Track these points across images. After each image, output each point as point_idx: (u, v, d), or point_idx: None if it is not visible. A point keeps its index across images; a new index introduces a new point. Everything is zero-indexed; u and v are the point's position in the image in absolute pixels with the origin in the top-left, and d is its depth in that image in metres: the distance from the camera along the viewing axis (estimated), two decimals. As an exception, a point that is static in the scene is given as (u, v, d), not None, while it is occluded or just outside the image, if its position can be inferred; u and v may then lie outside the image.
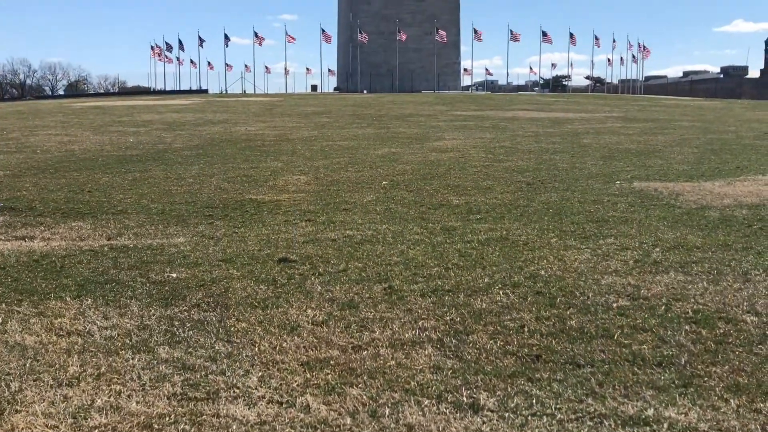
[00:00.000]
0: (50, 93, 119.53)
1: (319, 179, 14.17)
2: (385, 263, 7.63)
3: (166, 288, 6.83)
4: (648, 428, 4.10)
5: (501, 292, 6.55)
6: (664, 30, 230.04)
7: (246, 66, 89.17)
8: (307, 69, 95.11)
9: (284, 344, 5.36)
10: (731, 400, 4.39)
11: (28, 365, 4.98)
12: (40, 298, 6.57)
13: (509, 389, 4.56)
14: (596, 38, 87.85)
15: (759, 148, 19.94)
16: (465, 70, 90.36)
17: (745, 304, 6.19)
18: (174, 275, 7.26)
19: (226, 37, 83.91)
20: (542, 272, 7.18)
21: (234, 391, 4.55)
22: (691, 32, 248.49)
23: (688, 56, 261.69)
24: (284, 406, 4.38)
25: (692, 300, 6.29)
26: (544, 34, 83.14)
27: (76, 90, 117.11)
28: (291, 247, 8.39)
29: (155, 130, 26.16)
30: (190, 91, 78.93)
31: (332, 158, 17.56)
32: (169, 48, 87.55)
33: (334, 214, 10.62)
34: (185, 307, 6.26)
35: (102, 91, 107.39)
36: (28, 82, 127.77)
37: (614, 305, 6.18)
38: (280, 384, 4.67)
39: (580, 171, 14.99)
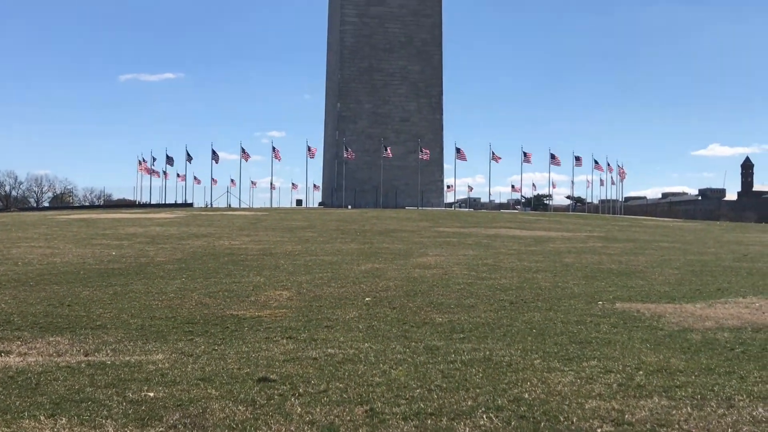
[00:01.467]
0: (35, 205, 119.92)
1: (301, 295, 14.13)
2: (367, 384, 7.53)
3: (143, 407, 6.68)
4: None
5: (484, 416, 6.45)
6: (643, 152, 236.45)
7: (232, 180, 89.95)
8: (293, 184, 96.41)
9: (262, 469, 5.21)
10: None
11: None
12: (13, 416, 6.40)
13: None
14: (576, 159, 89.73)
15: (739, 270, 20.14)
16: (448, 187, 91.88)
17: (729, 430, 6.12)
18: (151, 394, 7.11)
19: (214, 153, 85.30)
20: (526, 395, 7.10)
21: None
22: (669, 155, 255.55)
23: (667, 178, 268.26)
24: None
25: (677, 426, 6.21)
26: (525, 154, 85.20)
27: (61, 202, 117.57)
28: (271, 365, 8.28)
29: (138, 244, 26.16)
30: (175, 205, 79.44)
31: (315, 273, 17.56)
32: (156, 162, 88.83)
33: (315, 331, 10.54)
34: (162, 428, 6.11)
35: (87, 204, 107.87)
36: (14, 193, 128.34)
37: (598, 431, 6.10)
38: None
39: (562, 290, 15.05)
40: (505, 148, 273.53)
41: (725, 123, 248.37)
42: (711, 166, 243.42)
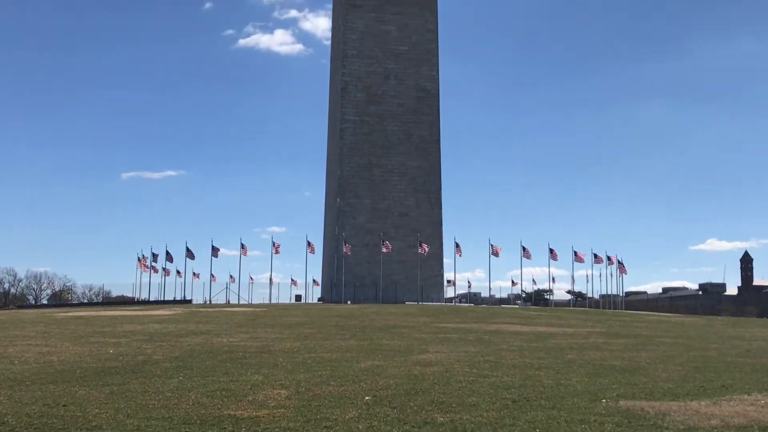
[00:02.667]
0: (33, 302, 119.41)
1: (300, 393, 13.92)
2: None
3: None
4: None
5: None
6: (642, 247, 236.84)
7: (231, 277, 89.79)
8: (292, 280, 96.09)
9: None
10: None
11: None
12: None
13: None
14: (576, 254, 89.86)
15: (742, 366, 19.92)
16: (448, 282, 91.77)
17: None
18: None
19: (214, 249, 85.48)
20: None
21: None
22: (668, 250, 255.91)
23: (667, 273, 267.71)
24: None
25: None
26: (524, 249, 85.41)
27: (59, 299, 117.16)
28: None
29: (136, 341, 25.92)
30: (174, 302, 79.14)
31: (314, 371, 17.34)
32: (156, 259, 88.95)
33: (315, 432, 10.34)
34: None
35: (86, 301, 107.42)
36: (13, 291, 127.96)
37: None
38: None
39: (565, 388, 14.84)
40: (505, 242, 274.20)
41: (723, 218, 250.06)
42: (710, 260, 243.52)
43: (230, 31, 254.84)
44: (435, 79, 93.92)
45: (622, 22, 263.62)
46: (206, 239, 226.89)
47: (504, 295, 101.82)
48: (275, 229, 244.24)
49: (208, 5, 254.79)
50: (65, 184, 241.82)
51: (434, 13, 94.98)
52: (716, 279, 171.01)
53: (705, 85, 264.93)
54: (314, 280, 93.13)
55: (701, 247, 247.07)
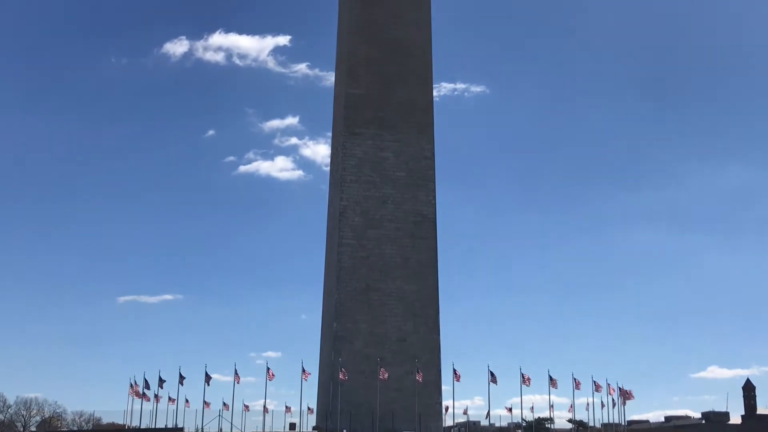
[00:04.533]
0: (21, 430, 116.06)
1: None
2: None
3: None
4: None
5: None
6: (643, 376, 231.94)
7: (225, 404, 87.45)
8: (287, 407, 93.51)
9: None
10: None
11: None
12: None
13: None
14: (576, 381, 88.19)
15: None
16: (446, 409, 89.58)
17: None
18: None
19: (207, 376, 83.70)
20: None
21: None
22: (669, 378, 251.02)
23: (668, 401, 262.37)
24: None
25: None
26: (524, 376, 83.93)
27: (48, 426, 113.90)
28: None
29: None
30: (165, 430, 76.95)
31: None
32: (148, 385, 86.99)
33: None
34: None
35: (75, 428, 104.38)
36: (1, 417, 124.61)
37: None
38: None
39: None
40: (504, 368, 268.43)
41: (723, 345, 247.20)
42: (712, 388, 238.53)
43: (232, 158, 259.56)
44: (432, 204, 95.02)
45: (617, 149, 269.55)
46: (200, 364, 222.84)
47: (504, 423, 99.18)
48: (271, 354, 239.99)
49: (210, 132, 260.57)
50: (59, 307, 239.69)
51: (430, 140, 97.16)
52: (719, 407, 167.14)
53: (701, 212, 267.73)
54: (309, 408, 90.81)
55: (702, 374, 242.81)
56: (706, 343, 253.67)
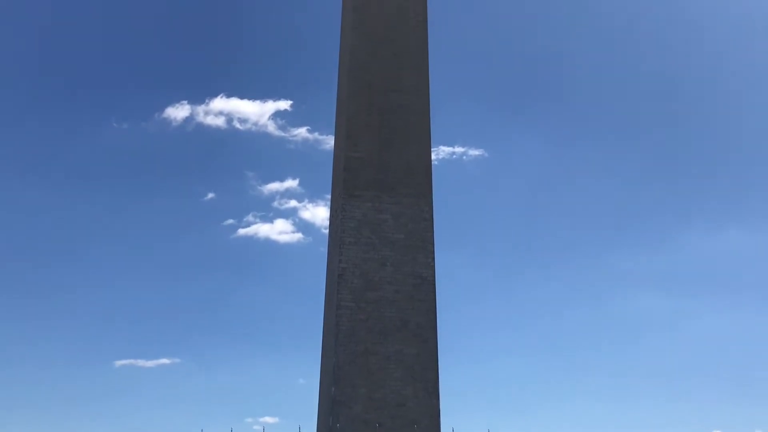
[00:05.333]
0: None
1: None
2: None
3: None
4: None
5: None
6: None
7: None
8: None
9: None
10: None
11: None
12: None
13: None
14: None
15: None
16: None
17: None
18: None
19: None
20: None
21: None
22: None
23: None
24: None
25: None
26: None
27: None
28: None
29: None
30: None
31: None
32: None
33: None
34: None
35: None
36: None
37: None
38: None
39: None
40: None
41: (725, 409, 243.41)
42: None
43: (231, 221, 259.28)
44: (431, 267, 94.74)
45: (616, 212, 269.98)
46: (197, 428, 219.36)
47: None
48: (268, 419, 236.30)
49: (210, 195, 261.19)
50: (55, 370, 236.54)
51: (429, 202, 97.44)
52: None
53: (699, 277, 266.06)
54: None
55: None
56: (708, 407, 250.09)
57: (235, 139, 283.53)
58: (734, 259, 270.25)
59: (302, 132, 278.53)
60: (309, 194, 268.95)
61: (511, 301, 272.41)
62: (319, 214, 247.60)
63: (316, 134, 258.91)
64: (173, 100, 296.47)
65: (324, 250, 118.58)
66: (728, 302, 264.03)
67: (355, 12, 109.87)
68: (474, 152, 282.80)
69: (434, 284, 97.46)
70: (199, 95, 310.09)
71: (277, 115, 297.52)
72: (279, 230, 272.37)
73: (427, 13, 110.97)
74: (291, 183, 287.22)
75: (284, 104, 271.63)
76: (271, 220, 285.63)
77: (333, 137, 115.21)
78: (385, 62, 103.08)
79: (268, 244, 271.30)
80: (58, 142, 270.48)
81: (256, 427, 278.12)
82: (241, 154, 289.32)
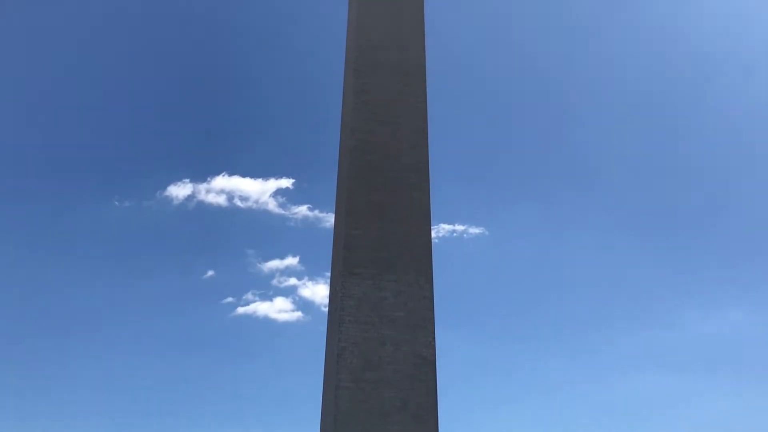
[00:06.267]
0: None
1: None
2: None
3: None
4: None
5: None
6: None
7: None
8: None
9: None
10: None
11: None
12: None
13: None
14: None
15: None
16: None
17: None
18: None
19: None
20: None
21: None
22: None
23: None
24: None
25: None
26: None
27: None
28: None
29: None
30: None
31: None
32: None
33: None
34: None
35: None
36: None
37: None
38: None
39: None
40: None
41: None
42: None
43: (230, 299, 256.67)
44: (432, 346, 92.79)
45: (618, 292, 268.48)
46: None
47: None
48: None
49: (210, 273, 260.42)
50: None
51: (429, 280, 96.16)
52: None
53: (701, 356, 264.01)
54: None
55: None
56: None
57: (236, 217, 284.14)
58: (739, 338, 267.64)
59: (303, 210, 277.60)
60: (309, 272, 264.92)
61: (514, 381, 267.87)
62: (318, 291, 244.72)
63: (316, 212, 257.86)
64: (175, 178, 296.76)
65: (323, 328, 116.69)
66: (734, 382, 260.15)
67: (356, 95, 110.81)
68: (474, 230, 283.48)
69: (435, 364, 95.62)
70: (202, 173, 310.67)
71: (278, 192, 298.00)
72: (278, 308, 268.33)
73: (426, 95, 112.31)
74: (291, 260, 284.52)
75: (286, 182, 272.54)
76: (270, 298, 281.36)
77: (333, 215, 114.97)
78: (385, 140, 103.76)
79: (267, 322, 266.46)
80: (60, 220, 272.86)
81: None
82: (241, 232, 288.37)
